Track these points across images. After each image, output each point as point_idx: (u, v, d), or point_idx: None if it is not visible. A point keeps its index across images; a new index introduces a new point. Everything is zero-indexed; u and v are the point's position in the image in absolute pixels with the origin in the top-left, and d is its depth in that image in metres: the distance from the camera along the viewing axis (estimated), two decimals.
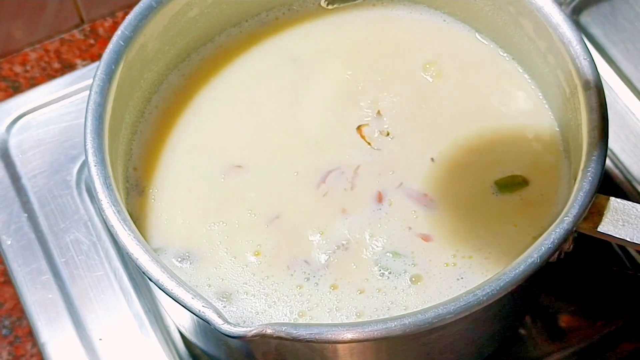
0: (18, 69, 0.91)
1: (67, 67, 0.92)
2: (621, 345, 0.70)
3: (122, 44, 0.63)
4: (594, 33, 0.85)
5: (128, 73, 0.64)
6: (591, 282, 0.72)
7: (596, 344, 0.70)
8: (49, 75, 0.91)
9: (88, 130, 0.60)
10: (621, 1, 0.85)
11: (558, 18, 0.63)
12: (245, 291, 0.61)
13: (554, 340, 0.70)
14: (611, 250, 0.73)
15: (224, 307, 0.60)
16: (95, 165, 0.58)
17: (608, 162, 0.77)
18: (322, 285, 0.61)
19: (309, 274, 0.62)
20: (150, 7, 0.65)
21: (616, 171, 0.77)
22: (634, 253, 0.73)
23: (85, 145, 0.59)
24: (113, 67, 0.62)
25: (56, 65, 0.92)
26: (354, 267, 0.62)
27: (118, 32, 0.64)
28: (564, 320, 0.71)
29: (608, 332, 0.70)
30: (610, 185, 0.76)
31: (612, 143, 0.77)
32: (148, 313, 0.73)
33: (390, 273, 0.61)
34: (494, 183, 0.64)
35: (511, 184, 0.64)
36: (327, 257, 0.62)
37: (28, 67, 0.91)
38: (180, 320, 0.66)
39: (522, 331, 0.70)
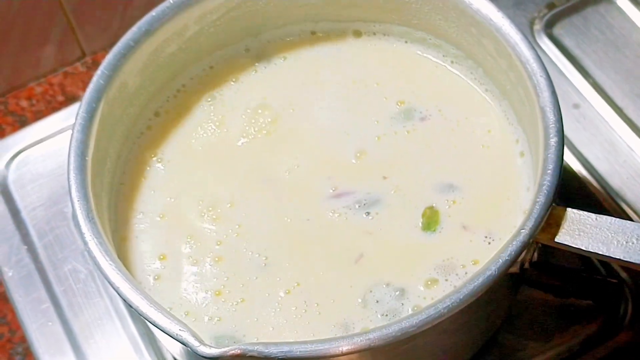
0: (24, 103, 0.94)
1: (71, 100, 0.94)
2: (596, 349, 0.71)
3: (102, 82, 0.66)
4: (567, 45, 0.87)
5: (110, 110, 0.67)
6: (567, 286, 0.73)
7: (573, 348, 0.71)
8: (54, 108, 0.94)
9: (71, 167, 0.63)
10: (593, 12, 0.88)
11: (516, 37, 0.65)
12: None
13: (536, 341, 0.71)
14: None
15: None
16: (78, 201, 0.61)
17: (582, 170, 0.79)
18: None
19: None
20: (128, 46, 0.68)
21: (590, 179, 0.79)
22: None
23: (68, 181, 0.62)
24: (94, 105, 0.65)
25: (60, 98, 0.94)
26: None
27: (98, 72, 0.67)
28: (539, 326, 0.72)
29: (584, 337, 0.71)
30: (585, 193, 0.78)
31: (586, 151, 0.80)
32: (143, 336, 0.75)
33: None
34: None
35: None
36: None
37: (34, 102, 0.94)
38: (167, 344, 0.69)
39: (500, 336, 0.72)
